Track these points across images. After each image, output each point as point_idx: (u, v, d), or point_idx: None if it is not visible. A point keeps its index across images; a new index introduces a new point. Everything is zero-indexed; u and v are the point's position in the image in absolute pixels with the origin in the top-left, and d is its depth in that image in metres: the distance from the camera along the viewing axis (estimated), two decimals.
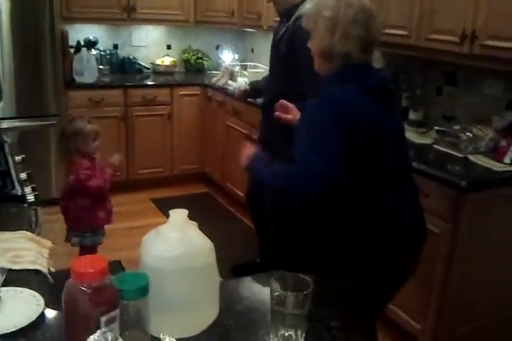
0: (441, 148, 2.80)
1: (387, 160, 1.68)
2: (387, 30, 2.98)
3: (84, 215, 2.89)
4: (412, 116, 3.21)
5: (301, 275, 1.14)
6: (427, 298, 2.52)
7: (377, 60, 3.66)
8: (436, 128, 2.92)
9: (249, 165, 1.80)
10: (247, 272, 1.53)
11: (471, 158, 2.66)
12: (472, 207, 2.36)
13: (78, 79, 4.38)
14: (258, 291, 1.38)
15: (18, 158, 2.30)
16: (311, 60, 1.87)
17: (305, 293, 1.08)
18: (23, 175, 2.10)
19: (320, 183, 1.53)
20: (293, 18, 2.69)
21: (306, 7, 2.56)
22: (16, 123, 4.05)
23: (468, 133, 2.74)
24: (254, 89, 3.30)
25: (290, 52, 2.67)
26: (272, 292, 1.11)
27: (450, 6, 2.61)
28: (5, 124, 3.93)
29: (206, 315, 1.20)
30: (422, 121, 3.20)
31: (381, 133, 1.64)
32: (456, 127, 2.85)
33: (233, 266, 3.30)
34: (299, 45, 2.44)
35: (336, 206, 1.66)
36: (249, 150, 1.84)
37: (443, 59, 2.81)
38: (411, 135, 3.01)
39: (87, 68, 4.39)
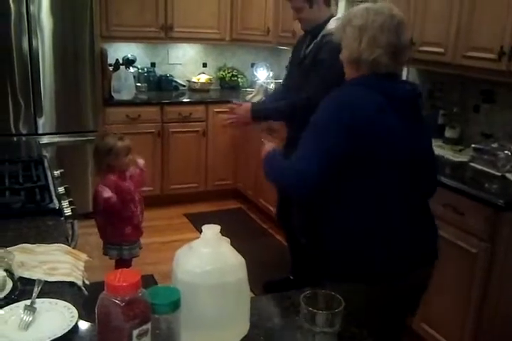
0: (478, 166, 2.75)
1: (392, 174, 1.63)
2: (424, 48, 2.98)
3: (110, 230, 2.93)
4: (449, 133, 3.17)
5: (332, 293, 1.14)
6: (464, 318, 2.46)
7: (413, 77, 3.64)
8: (473, 145, 2.87)
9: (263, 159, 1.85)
10: (280, 289, 1.52)
11: (509, 176, 2.61)
12: (509, 227, 2.30)
13: (116, 96, 4.48)
14: (289, 308, 1.37)
15: (56, 173, 2.36)
16: (333, 70, 1.98)
17: (336, 310, 1.08)
18: (61, 189, 2.16)
19: (302, 180, 1.58)
20: (320, 36, 2.77)
21: (333, 24, 2.64)
22: (55, 139, 4.16)
23: (506, 151, 2.68)
24: (256, 112, 3.06)
25: (314, 65, 2.73)
26: (302, 309, 1.11)
27: (487, 22, 2.58)
28: (45, 140, 4.05)
29: (236, 330, 1.20)
30: (459, 138, 3.15)
31: (393, 146, 1.60)
32: (494, 145, 2.80)
33: (265, 283, 3.29)
34: (325, 57, 2.62)
35: (331, 213, 1.66)
36: (268, 146, 1.88)
37: (480, 76, 2.77)
38: (447, 152, 2.98)
39: (125, 86, 4.50)
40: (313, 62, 2.76)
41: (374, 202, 1.62)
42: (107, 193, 2.81)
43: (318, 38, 2.78)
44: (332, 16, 2.86)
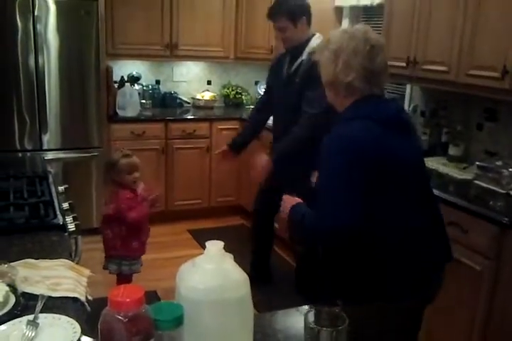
0: (483, 184, 2.75)
1: (403, 189, 1.66)
2: (427, 66, 3.00)
3: (119, 244, 2.94)
4: (453, 151, 3.17)
5: (336, 309, 1.13)
6: (468, 336, 2.44)
7: (417, 96, 3.67)
8: (477, 163, 2.87)
9: (289, 215, 1.79)
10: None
11: None
12: None
13: (121, 113, 4.51)
14: (292, 325, 1.36)
15: (61, 188, 2.37)
16: (315, 92, 2.41)
17: (340, 328, 1.07)
18: (65, 205, 2.16)
19: (343, 236, 1.56)
20: (305, 53, 2.93)
21: (316, 42, 2.87)
22: (60, 155, 4.18)
23: (510, 169, 2.68)
24: (235, 147, 3.35)
25: (307, 84, 2.82)
26: (306, 326, 1.10)
27: (490, 41, 2.60)
28: (49, 155, 4.07)
29: None
30: (463, 156, 3.15)
31: (397, 163, 1.64)
32: (498, 163, 2.80)
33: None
34: (313, 77, 2.55)
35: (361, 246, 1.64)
36: (290, 200, 1.82)
37: (484, 95, 2.78)
38: (451, 170, 2.98)
39: (130, 102, 4.53)
40: (307, 79, 2.82)
41: (400, 216, 1.64)
42: (136, 212, 2.86)
43: (304, 56, 2.92)
44: (313, 35, 3.01)
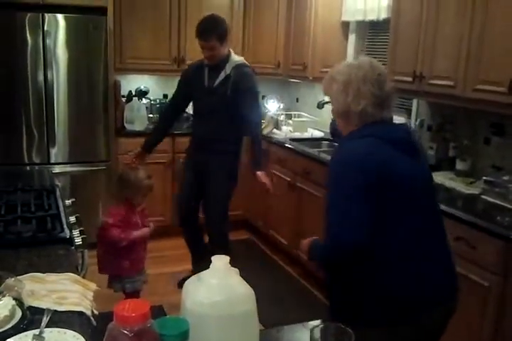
0: (490, 199, 2.74)
1: (411, 208, 1.68)
2: (434, 81, 3.01)
3: (108, 261, 2.91)
4: (460, 165, 3.17)
5: (342, 325, 1.12)
6: None
7: (423, 110, 3.67)
8: (484, 178, 2.86)
9: (310, 255, 1.85)
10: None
11: None
12: None
13: (128, 126, 4.53)
14: (298, 340, 1.35)
15: (68, 202, 2.38)
16: (253, 101, 3.40)
17: None
18: (72, 219, 2.17)
19: (352, 252, 1.61)
20: (228, 67, 3.38)
21: (235, 57, 3.45)
22: (67, 168, 4.21)
23: None
24: (148, 147, 3.70)
25: (237, 94, 3.35)
26: None
27: (496, 56, 2.61)
28: (57, 169, 4.10)
29: None
30: (470, 170, 3.14)
31: (403, 181, 1.67)
32: (505, 177, 2.79)
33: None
34: (250, 85, 3.39)
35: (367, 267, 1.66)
36: (306, 242, 1.87)
37: (490, 109, 2.78)
38: (458, 185, 2.96)
39: (138, 116, 4.57)
40: (235, 91, 3.35)
41: (404, 240, 1.66)
42: (117, 231, 2.82)
43: (228, 70, 3.38)
44: (229, 52, 3.45)
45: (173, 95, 3.76)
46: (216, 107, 3.45)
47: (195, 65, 3.59)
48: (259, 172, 3.51)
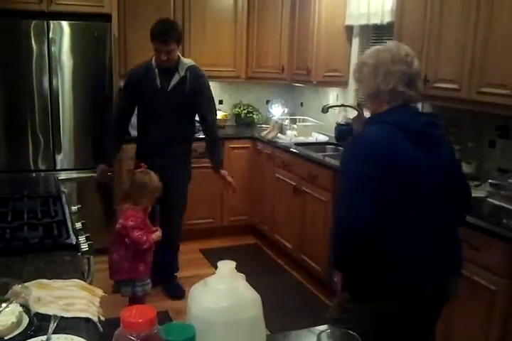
0: (496, 202, 2.73)
1: (416, 199, 1.75)
2: (438, 84, 3.01)
3: (126, 266, 2.92)
4: (465, 168, 3.14)
5: (350, 331, 1.12)
6: None
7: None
8: (490, 181, 2.85)
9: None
10: None
11: None
12: None
13: (133, 132, 4.53)
14: None
15: (74, 208, 2.38)
16: (210, 101, 3.59)
17: None
18: (78, 225, 2.17)
19: (355, 237, 1.71)
20: (181, 69, 3.45)
21: (185, 60, 3.53)
22: (73, 175, 4.22)
23: None
24: (110, 162, 3.81)
25: (195, 93, 3.47)
26: None
27: (500, 58, 2.61)
28: (63, 175, 4.10)
29: None
30: (475, 173, 3.13)
31: (413, 174, 1.73)
32: (511, 180, 2.78)
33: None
34: (206, 85, 3.56)
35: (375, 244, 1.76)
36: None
37: (495, 112, 2.77)
38: None
39: None
40: (193, 90, 3.46)
41: (408, 227, 1.75)
42: (140, 233, 2.84)
43: (182, 71, 3.45)
44: (178, 55, 3.51)
45: (122, 103, 3.72)
46: (172, 109, 3.50)
47: (141, 68, 3.57)
48: (223, 172, 3.64)
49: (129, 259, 2.90)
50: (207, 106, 3.58)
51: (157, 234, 2.98)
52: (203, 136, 4.73)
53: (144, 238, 2.85)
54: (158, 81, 3.48)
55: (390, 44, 1.90)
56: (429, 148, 1.78)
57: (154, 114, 3.55)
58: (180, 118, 3.55)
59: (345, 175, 1.79)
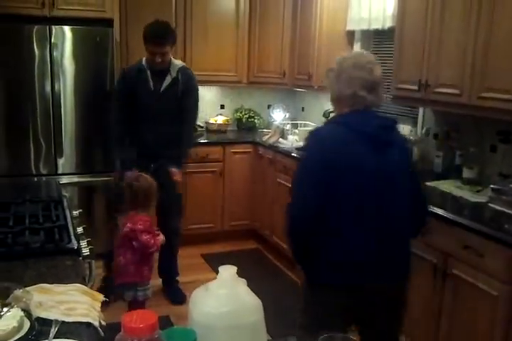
0: (497, 207, 2.72)
1: (360, 195, 1.90)
2: (439, 89, 3.01)
3: (132, 269, 2.92)
4: (466, 173, 3.16)
5: (349, 336, 1.12)
6: None
7: (429, 118, 3.67)
8: (491, 186, 2.85)
9: None
10: None
11: None
12: None
13: None
14: None
15: (75, 213, 2.38)
16: (197, 101, 3.61)
17: None
18: (80, 229, 2.17)
19: (301, 224, 1.92)
20: (173, 70, 3.48)
21: (176, 61, 3.56)
22: (75, 179, 4.22)
23: None
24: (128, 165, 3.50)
25: (186, 94, 3.51)
26: None
27: (501, 63, 2.61)
28: (64, 180, 4.11)
29: None
30: (477, 178, 3.13)
31: (356, 170, 1.88)
32: None
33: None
34: (194, 85, 3.59)
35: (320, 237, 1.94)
36: None
37: (497, 117, 2.77)
38: (465, 193, 2.95)
39: None
40: (184, 91, 3.51)
41: (347, 222, 1.90)
42: (148, 237, 2.85)
43: (174, 73, 3.48)
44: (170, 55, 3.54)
45: (118, 103, 3.63)
46: (166, 111, 3.52)
47: (134, 69, 3.56)
48: (175, 170, 3.57)
49: (135, 262, 2.91)
50: (195, 106, 3.63)
51: (162, 238, 2.98)
52: (205, 141, 4.80)
53: (152, 241, 2.87)
54: (151, 82, 3.48)
55: (355, 52, 2.09)
56: (379, 149, 1.92)
57: (147, 115, 3.55)
58: (174, 120, 3.55)
59: (298, 167, 2.01)
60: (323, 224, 1.89)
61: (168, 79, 3.48)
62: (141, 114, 3.57)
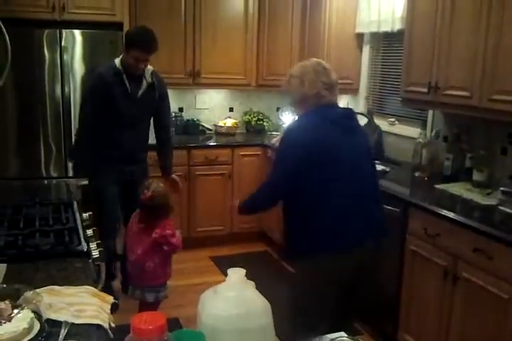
0: (508, 210, 2.70)
1: (334, 169, 2.24)
2: (449, 92, 3.00)
3: (160, 272, 2.95)
4: (476, 176, 3.14)
5: (359, 339, 1.12)
6: None
7: (439, 121, 3.66)
8: (501, 189, 2.83)
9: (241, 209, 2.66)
10: None
11: None
12: None
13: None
14: None
15: (85, 215, 2.39)
16: (169, 105, 3.78)
17: None
18: (90, 232, 2.18)
19: (273, 191, 2.40)
20: (147, 75, 3.47)
21: (149, 67, 3.48)
22: (85, 182, 4.23)
23: None
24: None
25: (161, 99, 3.60)
26: None
27: None
28: (74, 183, 4.13)
29: None
30: (487, 181, 3.11)
31: (334, 152, 2.24)
32: None
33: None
34: (167, 93, 3.68)
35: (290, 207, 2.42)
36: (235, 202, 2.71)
37: (507, 119, 2.76)
38: (476, 196, 2.93)
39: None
40: (160, 95, 3.57)
41: (325, 195, 2.23)
42: (176, 239, 2.91)
43: (149, 78, 3.47)
44: None
45: (91, 108, 3.40)
46: (143, 116, 3.55)
47: (109, 73, 3.37)
48: (174, 176, 3.77)
49: (162, 265, 2.95)
50: (168, 112, 3.79)
51: (180, 235, 3.05)
52: (214, 144, 4.81)
53: (179, 242, 2.93)
54: (128, 87, 3.38)
55: (312, 60, 2.42)
56: (347, 133, 2.30)
57: (124, 121, 3.45)
58: (147, 126, 3.65)
59: (279, 150, 2.38)
60: (305, 193, 2.24)
61: (144, 84, 3.45)
62: (117, 119, 3.44)
